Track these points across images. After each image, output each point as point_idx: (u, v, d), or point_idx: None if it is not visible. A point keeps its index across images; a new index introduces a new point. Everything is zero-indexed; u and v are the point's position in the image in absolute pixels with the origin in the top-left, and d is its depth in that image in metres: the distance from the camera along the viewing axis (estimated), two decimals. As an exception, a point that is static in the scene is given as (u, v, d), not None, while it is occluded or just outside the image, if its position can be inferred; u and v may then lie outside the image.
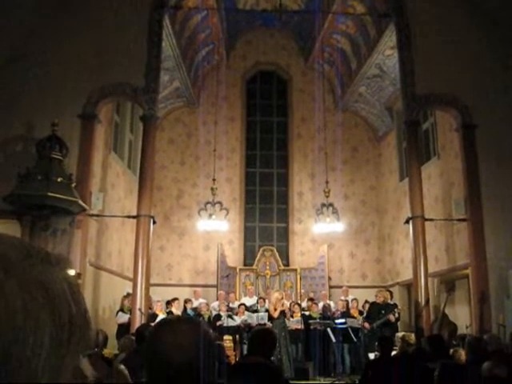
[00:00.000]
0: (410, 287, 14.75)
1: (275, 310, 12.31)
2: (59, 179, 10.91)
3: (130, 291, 12.01)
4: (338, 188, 16.40)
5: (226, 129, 17.41)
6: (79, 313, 0.59)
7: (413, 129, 12.69)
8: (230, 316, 13.02)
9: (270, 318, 12.28)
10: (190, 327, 1.56)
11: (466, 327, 12.00)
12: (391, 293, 13.80)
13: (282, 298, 12.72)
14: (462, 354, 7.47)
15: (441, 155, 14.27)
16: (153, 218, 13.32)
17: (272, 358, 4.38)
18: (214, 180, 15.13)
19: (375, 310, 12.55)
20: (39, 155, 11.17)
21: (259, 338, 4.41)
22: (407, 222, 13.38)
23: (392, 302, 13.20)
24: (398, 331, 11.67)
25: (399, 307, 13.02)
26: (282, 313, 12.38)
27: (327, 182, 15.23)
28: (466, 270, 12.39)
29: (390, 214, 17.21)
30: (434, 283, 13.68)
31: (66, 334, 0.57)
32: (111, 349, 8.24)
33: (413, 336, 10.69)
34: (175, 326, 1.57)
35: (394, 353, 8.36)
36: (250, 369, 4.20)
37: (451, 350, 7.94)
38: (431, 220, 13.08)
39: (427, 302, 12.61)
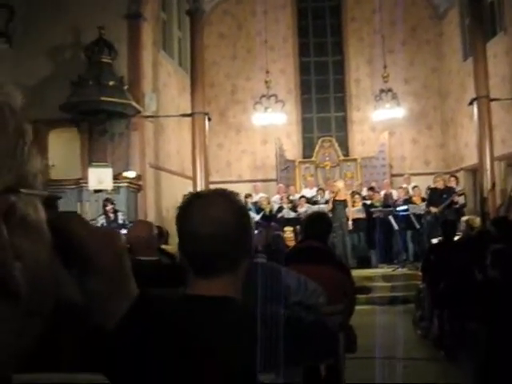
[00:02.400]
0: (475, 172, 14.35)
1: (335, 198, 12.41)
2: (111, 83, 10.88)
3: (191, 190, 12.17)
4: (397, 72, 15.68)
5: (276, 17, 16.72)
6: None
7: (476, 3, 11.80)
8: (290, 208, 13.14)
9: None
10: (222, 200, 1.46)
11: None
12: (457, 178, 13.40)
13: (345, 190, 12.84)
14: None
15: (508, 30, 13.28)
16: (207, 114, 13.27)
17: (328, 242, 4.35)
18: (267, 72, 14.75)
19: (436, 196, 12.22)
20: (89, 60, 11.12)
21: (314, 222, 4.36)
22: (471, 103, 12.81)
23: (457, 188, 12.83)
24: (463, 216, 11.47)
25: (459, 190, 12.59)
26: (344, 201, 12.41)
27: (385, 67, 14.60)
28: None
29: (452, 97, 16.47)
30: (501, 166, 13.19)
31: None
32: (173, 245, 8.43)
33: (478, 220, 10.54)
34: (206, 198, 1.49)
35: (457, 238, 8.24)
36: (304, 252, 4.18)
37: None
38: (497, 100, 12.45)
39: (493, 186, 12.27)
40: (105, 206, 10.22)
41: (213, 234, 1.41)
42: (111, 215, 10.19)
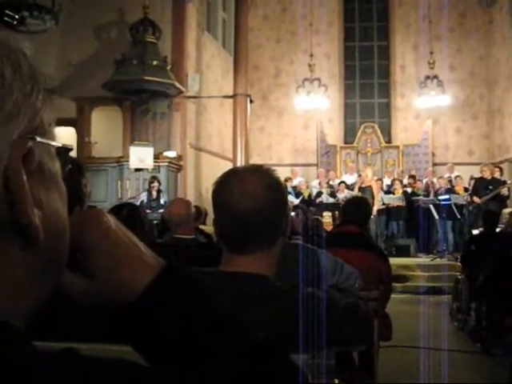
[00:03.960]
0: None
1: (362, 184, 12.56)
2: (154, 62, 10.93)
3: (231, 172, 12.19)
4: (443, 59, 15.36)
5: (321, 1, 16.52)
6: (17, 74, 0.50)
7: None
8: (329, 193, 13.07)
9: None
10: (258, 176, 1.45)
11: None
12: (501, 169, 13.09)
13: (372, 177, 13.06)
14: None
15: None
16: (249, 96, 13.25)
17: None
18: (311, 56, 14.64)
19: (481, 186, 11.94)
20: (133, 40, 11.18)
21: (352, 207, 4.31)
22: (520, 93, 12.49)
23: (502, 179, 12.53)
24: (506, 208, 11.22)
25: (509, 182, 12.30)
26: (369, 187, 12.57)
27: (432, 53, 14.34)
28: None
29: (500, 86, 16.04)
30: (548, 158, 12.83)
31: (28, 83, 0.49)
32: (211, 226, 8.49)
33: (521, 212, 10.26)
34: (242, 174, 1.47)
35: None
36: (342, 236, 4.15)
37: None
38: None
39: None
40: (151, 182, 10.34)
41: (248, 209, 1.40)
42: (154, 193, 10.31)
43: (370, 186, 12.71)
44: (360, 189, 12.65)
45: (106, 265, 0.58)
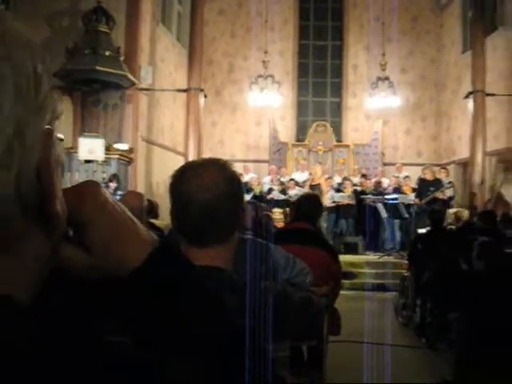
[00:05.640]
0: (466, 166, 14.39)
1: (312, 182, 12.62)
2: (107, 53, 10.74)
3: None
4: (395, 61, 15.65)
5: (277, -2, 16.59)
6: (45, 70, 0.53)
7: (479, -4, 11.76)
8: (281, 190, 13.14)
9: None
10: (216, 169, 1.47)
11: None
12: (447, 170, 13.45)
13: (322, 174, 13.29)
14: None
15: (508, 25, 13.25)
16: (203, 91, 13.19)
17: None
18: (265, 53, 14.67)
19: (424, 187, 12.24)
20: (86, 29, 10.96)
21: (304, 203, 4.34)
22: (467, 96, 12.84)
23: (446, 180, 12.87)
24: (451, 208, 11.52)
25: (448, 185, 12.59)
26: (318, 186, 12.78)
27: (384, 55, 14.58)
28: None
29: (449, 89, 16.47)
30: (492, 162, 13.24)
31: (32, 88, 0.51)
32: (162, 220, 8.41)
33: (466, 212, 10.57)
34: (200, 167, 1.48)
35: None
36: (293, 233, 4.18)
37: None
38: (493, 95, 12.46)
39: (483, 180, 12.32)
40: (110, 181, 10.20)
41: (206, 202, 1.41)
42: (111, 191, 10.17)
43: (319, 184, 12.86)
44: (311, 186, 12.78)
45: (103, 239, 0.57)
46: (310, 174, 13.92)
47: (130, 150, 11.64)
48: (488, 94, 12.34)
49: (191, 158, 12.59)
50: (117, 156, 11.03)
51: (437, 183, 12.24)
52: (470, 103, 12.53)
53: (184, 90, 12.91)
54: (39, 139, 0.49)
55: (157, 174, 12.96)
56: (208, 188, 1.41)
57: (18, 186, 0.48)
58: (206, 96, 13.34)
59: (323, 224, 11.74)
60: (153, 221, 5.87)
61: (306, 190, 12.50)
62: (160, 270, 0.57)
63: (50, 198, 0.50)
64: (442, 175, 12.81)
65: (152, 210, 6.42)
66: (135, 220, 0.61)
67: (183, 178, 1.46)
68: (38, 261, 0.51)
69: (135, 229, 0.60)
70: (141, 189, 11.74)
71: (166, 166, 13.06)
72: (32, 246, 0.50)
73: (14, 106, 0.48)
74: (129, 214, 0.60)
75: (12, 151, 0.47)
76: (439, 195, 11.94)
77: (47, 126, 0.51)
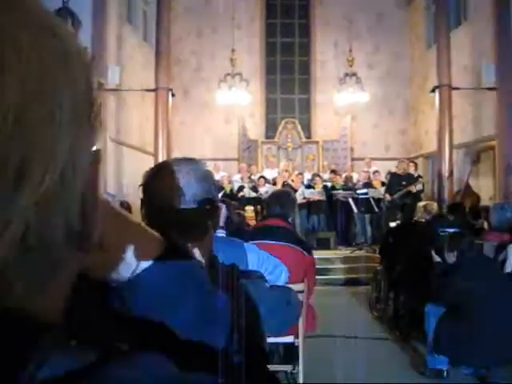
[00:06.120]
0: (433, 159, 14.58)
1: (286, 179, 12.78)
2: (73, 53, 10.60)
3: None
4: (362, 57, 15.80)
5: (244, -5, 16.57)
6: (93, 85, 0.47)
7: (443, -10, 11.91)
8: (251, 188, 13.15)
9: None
10: (190, 168, 1.47)
11: (490, 199, 11.91)
12: (416, 164, 13.63)
13: (288, 170, 13.51)
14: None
15: (471, 20, 13.46)
16: (171, 90, 13.11)
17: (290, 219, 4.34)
18: (233, 51, 14.64)
19: (395, 181, 12.39)
20: (51, 28, 10.79)
21: (277, 200, 4.34)
22: (433, 91, 12.96)
23: (415, 174, 13.05)
24: (420, 201, 11.66)
25: (420, 179, 12.78)
26: (285, 183, 12.87)
27: (351, 51, 14.68)
28: (492, 141, 12.08)
29: (415, 84, 16.67)
30: (459, 155, 13.44)
31: (83, 103, 0.45)
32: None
33: (435, 205, 10.72)
34: (174, 166, 1.47)
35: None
36: (267, 230, 4.18)
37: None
38: (458, 89, 12.62)
39: (451, 173, 12.50)
40: None
41: (181, 201, 1.40)
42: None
43: (292, 181, 12.97)
44: (284, 184, 12.79)
45: (115, 238, 0.57)
46: (286, 171, 13.99)
47: (98, 151, 11.51)
48: (454, 88, 12.50)
49: (161, 158, 12.50)
50: (85, 157, 10.90)
51: (408, 177, 12.41)
52: (437, 97, 12.67)
53: (152, 90, 12.81)
54: (89, 162, 0.46)
55: (127, 175, 12.85)
56: (181, 187, 1.41)
57: (67, 212, 0.43)
58: (173, 95, 13.25)
59: (297, 221, 11.80)
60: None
61: (278, 187, 12.54)
62: (174, 264, 0.58)
63: (91, 226, 0.46)
64: (410, 169, 12.98)
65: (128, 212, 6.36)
66: (142, 223, 0.62)
67: (157, 178, 1.45)
68: (71, 277, 0.48)
69: (143, 227, 0.61)
70: (111, 190, 11.63)
71: (135, 166, 12.96)
72: (68, 267, 0.47)
73: (70, 134, 0.44)
74: (136, 219, 0.62)
75: (64, 179, 0.43)
76: (412, 189, 12.09)
77: (96, 148, 0.48)
